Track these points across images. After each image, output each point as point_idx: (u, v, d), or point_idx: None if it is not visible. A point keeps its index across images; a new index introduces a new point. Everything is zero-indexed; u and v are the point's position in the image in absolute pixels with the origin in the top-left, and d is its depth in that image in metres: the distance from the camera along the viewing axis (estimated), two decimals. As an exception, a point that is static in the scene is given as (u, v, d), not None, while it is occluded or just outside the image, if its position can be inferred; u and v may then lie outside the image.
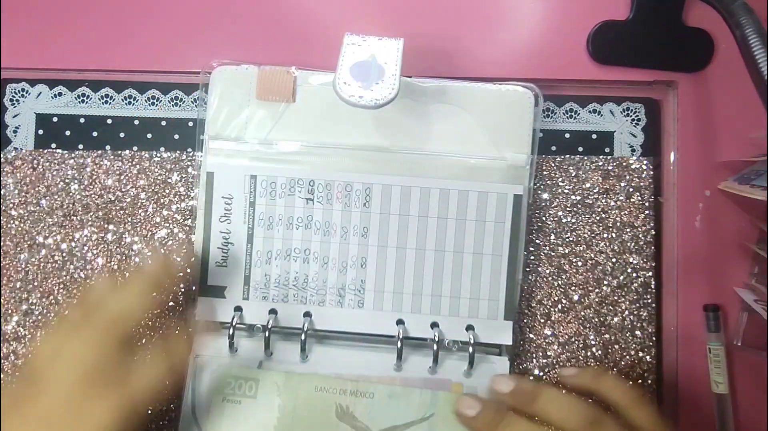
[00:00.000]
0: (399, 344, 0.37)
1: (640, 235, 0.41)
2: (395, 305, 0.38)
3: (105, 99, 0.42)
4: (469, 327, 0.38)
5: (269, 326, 0.37)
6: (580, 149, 0.42)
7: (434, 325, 0.38)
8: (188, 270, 0.38)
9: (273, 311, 0.38)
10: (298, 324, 0.38)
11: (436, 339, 0.37)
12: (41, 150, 0.41)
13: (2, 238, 0.41)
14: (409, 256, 0.38)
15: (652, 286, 0.41)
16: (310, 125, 0.39)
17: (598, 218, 0.41)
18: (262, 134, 0.39)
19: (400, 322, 0.38)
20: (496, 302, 0.38)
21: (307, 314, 0.38)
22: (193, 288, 0.39)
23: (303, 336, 0.37)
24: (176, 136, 0.42)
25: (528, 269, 0.41)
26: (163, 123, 0.42)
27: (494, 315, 0.38)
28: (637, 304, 0.41)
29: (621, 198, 0.41)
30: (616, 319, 0.41)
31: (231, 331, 0.37)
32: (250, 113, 0.39)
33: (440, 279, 0.38)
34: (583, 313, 0.41)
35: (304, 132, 0.39)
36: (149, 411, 0.37)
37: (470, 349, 0.37)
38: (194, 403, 0.36)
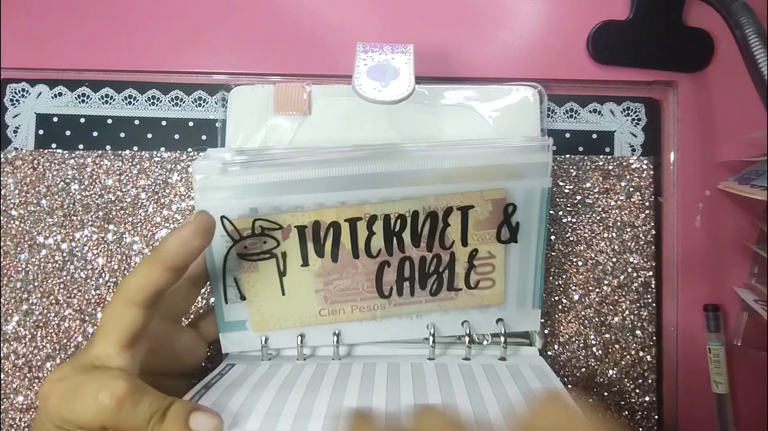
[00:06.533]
0: (432, 340, 0.37)
1: (641, 235, 0.41)
2: None
3: (105, 99, 0.42)
4: (499, 320, 0.38)
5: (300, 351, 0.37)
6: (581, 149, 0.42)
7: (464, 322, 0.38)
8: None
9: (301, 333, 0.37)
10: (327, 342, 0.37)
11: (467, 332, 0.37)
12: (41, 150, 0.41)
13: (2, 238, 0.41)
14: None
15: (652, 286, 0.41)
16: (327, 135, 0.39)
17: (598, 218, 0.41)
18: (283, 145, 0.39)
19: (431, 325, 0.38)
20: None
21: (335, 332, 0.37)
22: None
23: (333, 356, 0.37)
24: (176, 136, 0.42)
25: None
26: (163, 123, 0.42)
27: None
28: (638, 304, 0.41)
29: (621, 198, 0.41)
30: (616, 319, 0.41)
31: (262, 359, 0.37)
32: (268, 128, 0.39)
33: None
34: (583, 313, 0.41)
35: (321, 142, 0.38)
36: None
37: (502, 338, 0.37)
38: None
